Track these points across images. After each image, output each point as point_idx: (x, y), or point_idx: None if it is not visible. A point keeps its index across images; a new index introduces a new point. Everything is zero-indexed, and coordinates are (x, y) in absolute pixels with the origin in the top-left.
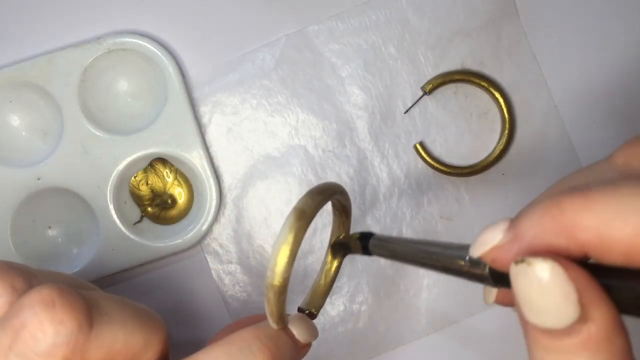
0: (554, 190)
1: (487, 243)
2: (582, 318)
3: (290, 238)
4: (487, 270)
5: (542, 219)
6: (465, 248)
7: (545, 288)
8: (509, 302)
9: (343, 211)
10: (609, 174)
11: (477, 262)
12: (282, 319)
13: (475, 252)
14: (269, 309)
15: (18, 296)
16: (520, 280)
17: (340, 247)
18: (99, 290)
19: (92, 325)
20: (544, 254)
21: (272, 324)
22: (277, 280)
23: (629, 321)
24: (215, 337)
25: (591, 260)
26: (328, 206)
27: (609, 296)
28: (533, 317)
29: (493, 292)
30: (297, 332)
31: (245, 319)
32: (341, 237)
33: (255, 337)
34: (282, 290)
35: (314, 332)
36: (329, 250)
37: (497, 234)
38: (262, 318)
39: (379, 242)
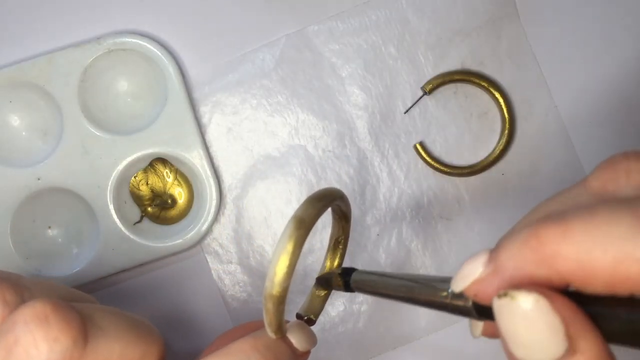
0: (531, 217)
1: (467, 277)
2: (570, 350)
3: (289, 247)
4: (470, 303)
5: (522, 250)
6: (448, 281)
7: (530, 321)
8: (497, 334)
9: (343, 216)
10: (586, 199)
11: (460, 295)
12: (281, 329)
13: (457, 287)
14: (267, 319)
15: (10, 310)
16: (504, 314)
17: (324, 282)
18: (94, 300)
19: (87, 340)
20: (527, 286)
21: (271, 333)
22: (276, 290)
23: (618, 350)
24: (212, 345)
25: (572, 288)
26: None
27: (596, 326)
28: (519, 352)
29: (479, 325)
30: (296, 340)
31: (242, 327)
32: (325, 271)
33: (253, 348)
34: (281, 301)
35: (312, 340)
36: (327, 254)
37: (477, 267)
38: (259, 325)
39: (360, 278)
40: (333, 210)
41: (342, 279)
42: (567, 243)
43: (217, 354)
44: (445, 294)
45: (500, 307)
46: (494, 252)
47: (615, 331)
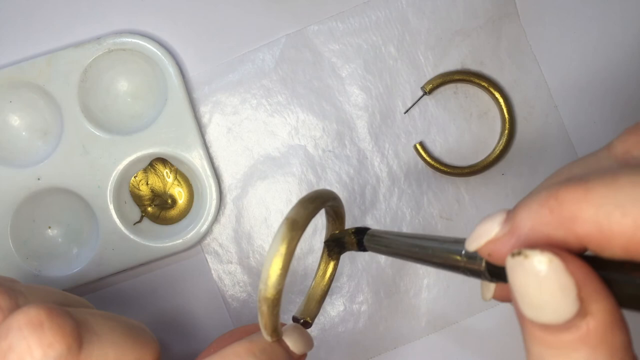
0: (552, 180)
1: (483, 236)
2: (581, 313)
3: (282, 249)
4: (483, 265)
5: (540, 211)
6: (462, 242)
7: (542, 281)
8: (508, 297)
9: (337, 217)
10: (608, 164)
11: (473, 257)
12: (276, 332)
13: (471, 245)
14: (262, 321)
15: (4, 316)
16: (517, 273)
17: (335, 244)
18: (90, 305)
19: (81, 346)
20: (542, 247)
21: (266, 336)
22: (270, 292)
23: (629, 315)
24: (209, 348)
25: (589, 252)
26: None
27: (609, 290)
28: (530, 312)
29: (491, 287)
30: (292, 343)
31: (239, 329)
32: (336, 232)
33: (248, 351)
34: (276, 303)
35: (308, 343)
36: (324, 250)
37: (493, 227)
38: (256, 328)
39: (374, 237)
40: (326, 213)
41: (355, 237)
42: (587, 205)
43: (212, 357)
44: (458, 256)
45: (513, 265)
46: (511, 212)
47: (629, 296)
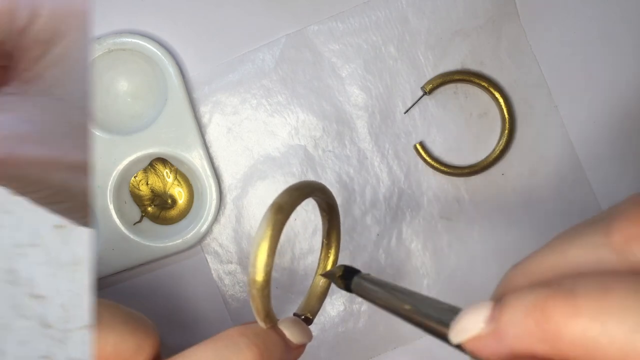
0: (544, 261)
1: (466, 331)
2: None
3: (268, 233)
4: None
5: (525, 320)
6: (456, 311)
7: None
8: None
9: (329, 209)
10: (606, 256)
11: None
12: (269, 317)
13: (455, 338)
14: (254, 305)
15: None
16: None
17: (326, 277)
18: None
19: None
20: None
21: (260, 322)
22: (258, 275)
23: None
24: None
25: None
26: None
27: None
28: None
29: None
30: (288, 332)
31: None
32: (320, 266)
33: (242, 334)
34: (265, 285)
35: (306, 333)
36: (323, 247)
37: (477, 322)
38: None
39: (362, 286)
40: (319, 205)
41: (343, 281)
42: (574, 325)
43: (207, 340)
44: (447, 329)
45: None
46: (496, 310)
47: None
